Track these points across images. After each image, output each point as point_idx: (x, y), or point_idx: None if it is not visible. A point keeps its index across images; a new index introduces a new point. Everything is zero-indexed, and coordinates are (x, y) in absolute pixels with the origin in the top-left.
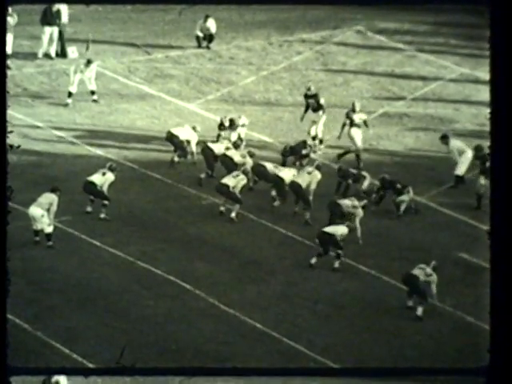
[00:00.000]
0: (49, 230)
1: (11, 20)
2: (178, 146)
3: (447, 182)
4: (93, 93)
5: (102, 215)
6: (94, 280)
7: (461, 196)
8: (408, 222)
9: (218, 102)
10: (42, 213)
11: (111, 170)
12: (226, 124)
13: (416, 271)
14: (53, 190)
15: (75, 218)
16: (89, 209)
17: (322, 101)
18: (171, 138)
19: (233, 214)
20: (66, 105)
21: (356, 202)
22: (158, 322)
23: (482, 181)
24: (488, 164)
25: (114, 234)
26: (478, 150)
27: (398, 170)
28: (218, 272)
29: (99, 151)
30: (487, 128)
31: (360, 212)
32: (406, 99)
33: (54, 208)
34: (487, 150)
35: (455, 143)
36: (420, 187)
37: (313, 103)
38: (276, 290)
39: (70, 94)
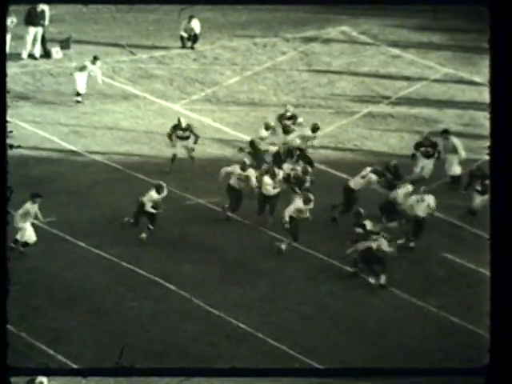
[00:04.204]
0: (30, 239)
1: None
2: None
3: (431, 183)
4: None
5: (143, 235)
6: (79, 281)
7: (445, 197)
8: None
9: (203, 103)
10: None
11: (157, 190)
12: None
13: (368, 243)
14: (32, 197)
15: (60, 219)
16: (143, 235)
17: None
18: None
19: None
20: (78, 102)
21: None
22: (142, 322)
23: (478, 200)
24: (487, 182)
25: (99, 235)
26: (478, 169)
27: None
28: (203, 273)
29: (84, 152)
30: (472, 128)
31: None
32: (391, 99)
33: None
34: (486, 170)
35: (454, 141)
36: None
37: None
38: (260, 291)
39: (78, 94)
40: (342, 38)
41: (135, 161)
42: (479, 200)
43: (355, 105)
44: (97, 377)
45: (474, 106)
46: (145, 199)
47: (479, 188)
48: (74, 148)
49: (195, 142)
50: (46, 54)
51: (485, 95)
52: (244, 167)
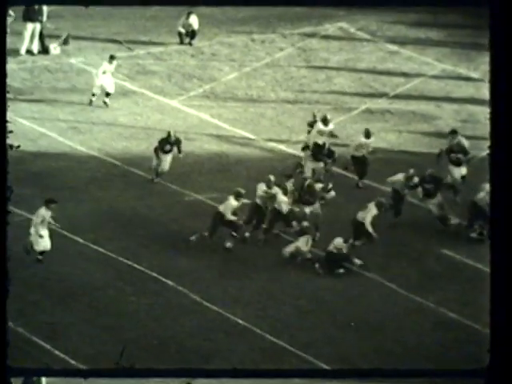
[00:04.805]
0: (46, 246)
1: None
2: None
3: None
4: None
5: (229, 244)
6: (77, 276)
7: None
8: (390, 219)
9: (201, 99)
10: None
11: (236, 196)
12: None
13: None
14: (47, 203)
15: (58, 214)
16: (228, 244)
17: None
18: None
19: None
20: (91, 102)
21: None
22: (140, 318)
23: (456, 172)
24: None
25: (97, 231)
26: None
27: (380, 166)
28: (200, 268)
29: (81, 147)
30: (470, 124)
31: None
32: (388, 96)
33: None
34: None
35: (462, 141)
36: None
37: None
38: (258, 286)
39: (107, 94)
40: (340, 34)
41: (133, 157)
42: (457, 172)
43: (353, 101)
44: (97, 377)
45: (472, 101)
46: (222, 209)
47: (454, 159)
48: (71, 144)
49: (179, 152)
50: (44, 50)
51: (482, 91)
52: (270, 184)
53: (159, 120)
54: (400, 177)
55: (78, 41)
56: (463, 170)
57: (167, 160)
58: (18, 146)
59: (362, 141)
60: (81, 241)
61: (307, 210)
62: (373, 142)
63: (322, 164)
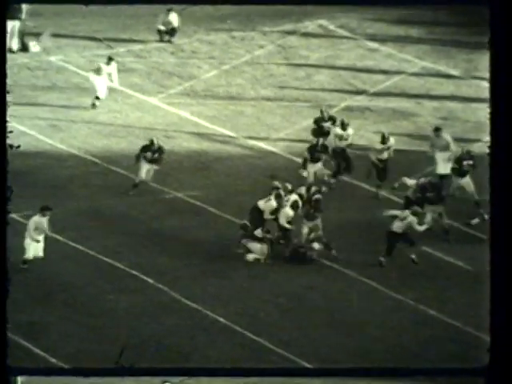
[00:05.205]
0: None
1: None
2: None
3: (408, 175)
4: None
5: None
6: (56, 274)
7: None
8: (370, 216)
9: (180, 96)
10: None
11: (292, 207)
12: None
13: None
14: (42, 210)
15: (37, 213)
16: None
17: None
18: None
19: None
20: (93, 105)
21: None
22: (120, 315)
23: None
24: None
25: (76, 229)
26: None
27: (360, 163)
28: (180, 266)
29: (61, 146)
30: (449, 122)
31: None
32: (368, 93)
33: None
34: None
35: (446, 137)
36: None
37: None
38: (238, 284)
39: (97, 98)
40: (320, 31)
41: (113, 155)
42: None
43: (333, 98)
44: (97, 377)
45: (452, 99)
46: (282, 219)
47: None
48: (51, 142)
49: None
50: (24, 48)
51: (462, 89)
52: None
53: (139, 118)
54: (411, 183)
55: (57, 39)
56: (467, 179)
57: (145, 168)
58: (18, 146)
59: (379, 146)
60: (60, 239)
61: (308, 225)
62: (392, 144)
63: (320, 164)
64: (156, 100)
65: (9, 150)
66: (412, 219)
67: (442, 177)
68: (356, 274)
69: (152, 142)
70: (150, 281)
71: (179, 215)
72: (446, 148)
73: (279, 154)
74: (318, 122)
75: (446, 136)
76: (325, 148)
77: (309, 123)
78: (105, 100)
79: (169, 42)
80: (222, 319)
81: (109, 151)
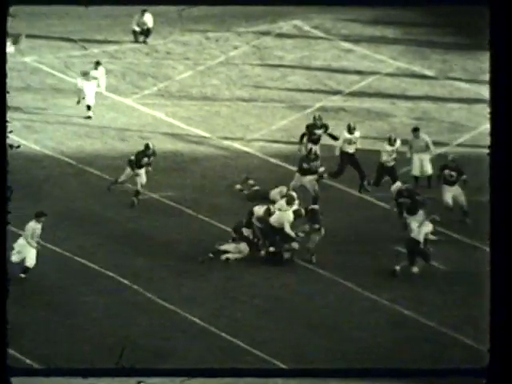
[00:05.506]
0: (30, 262)
1: None
2: None
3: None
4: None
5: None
6: (32, 276)
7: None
8: (346, 216)
9: (155, 97)
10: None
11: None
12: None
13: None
14: (37, 216)
15: (12, 214)
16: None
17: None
18: None
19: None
20: (89, 117)
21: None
22: (96, 317)
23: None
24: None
25: (52, 230)
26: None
27: (334, 164)
28: (156, 267)
29: (36, 146)
30: (424, 122)
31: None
32: (343, 93)
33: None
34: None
35: (425, 138)
36: (356, 181)
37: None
38: (214, 284)
39: (88, 107)
40: (295, 32)
41: (87, 155)
42: (450, 193)
43: (308, 99)
44: (97, 377)
45: (426, 99)
46: (286, 229)
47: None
48: (26, 143)
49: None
50: None
51: (437, 89)
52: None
53: (114, 118)
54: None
55: (32, 39)
56: (457, 191)
57: (143, 173)
58: (18, 146)
59: (389, 148)
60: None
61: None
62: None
63: (311, 177)
64: (131, 101)
65: (9, 150)
66: (429, 227)
67: (418, 178)
68: (332, 274)
69: (147, 147)
70: (126, 282)
71: (154, 216)
72: (424, 149)
73: (254, 154)
74: (310, 128)
75: (425, 136)
76: (316, 157)
77: (284, 124)
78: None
79: (144, 42)
80: (197, 320)
81: (83, 152)
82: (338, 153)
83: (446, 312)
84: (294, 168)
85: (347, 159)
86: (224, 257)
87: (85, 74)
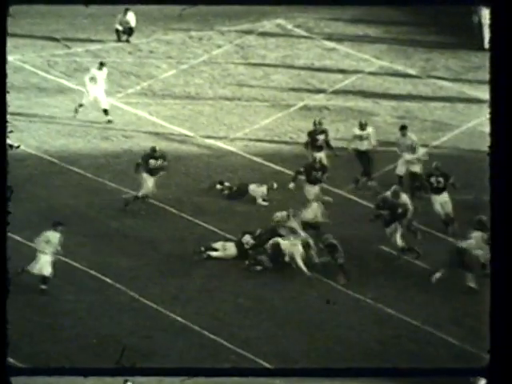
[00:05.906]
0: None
1: None
2: None
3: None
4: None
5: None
6: (14, 275)
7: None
8: (329, 215)
9: (138, 96)
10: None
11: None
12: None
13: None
14: (54, 225)
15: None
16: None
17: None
18: None
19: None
20: (109, 122)
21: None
22: (79, 316)
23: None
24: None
25: (35, 229)
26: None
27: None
28: (139, 266)
29: (19, 145)
30: (407, 121)
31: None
32: (326, 92)
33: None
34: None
35: (412, 137)
36: (340, 180)
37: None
38: (197, 283)
39: (105, 112)
40: (278, 31)
41: (71, 154)
42: (438, 200)
43: (291, 97)
44: (97, 377)
45: (409, 98)
46: (299, 265)
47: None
48: (9, 142)
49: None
50: None
51: (419, 88)
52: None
53: (97, 117)
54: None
55: (15, 38)
56: (445, 198)
57: (150, 178)
58: (18, 146)
59: (357, 132)
60: (19, 239)
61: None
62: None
63: (317, 187)
64: (114, 100)
65: (9, 150)
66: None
67: (401, 177)
68: (315, 273)
69: (154, 150)
70: (109, 281)
71: (138, 215)
72: (410, 148)
73: (238, 153)
74: (311, 135)
75: (412, 135)
76: (323, 166)
77: (267, 123)
78: (63, 100)
79: (127, 41)
80: (181, 319)
81: (66, 151)
82: (350, 151)
83: (429, 310)
84: (277, 167)
85: (359, 156)
86: (206, 254)
87: (92, 79)
